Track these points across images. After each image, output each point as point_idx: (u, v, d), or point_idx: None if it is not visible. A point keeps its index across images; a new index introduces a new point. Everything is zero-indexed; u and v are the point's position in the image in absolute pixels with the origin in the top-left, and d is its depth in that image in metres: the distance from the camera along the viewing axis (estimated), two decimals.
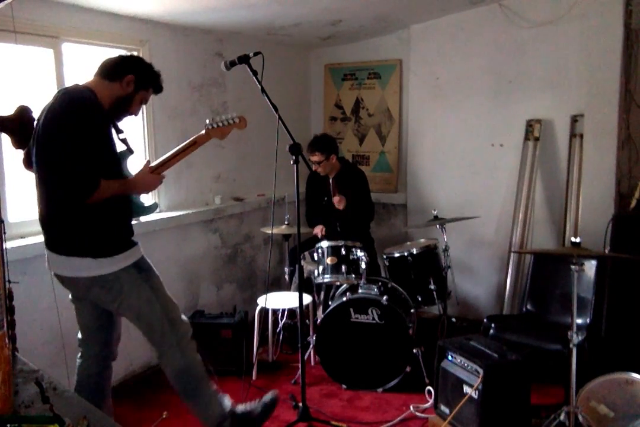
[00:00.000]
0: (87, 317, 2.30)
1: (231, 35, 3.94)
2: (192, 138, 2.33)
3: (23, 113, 1.70)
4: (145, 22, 3.33)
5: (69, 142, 1.97)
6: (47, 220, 2.16)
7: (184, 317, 2.35)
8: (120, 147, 2.24)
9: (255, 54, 2.55)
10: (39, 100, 2.79)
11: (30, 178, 2.72)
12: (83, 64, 3.08)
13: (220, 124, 2.29)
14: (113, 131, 2.18)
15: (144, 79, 2.24)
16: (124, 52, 3.31)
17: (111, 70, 2.19)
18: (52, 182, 2.06)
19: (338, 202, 3.77)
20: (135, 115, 2.31)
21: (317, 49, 4.86)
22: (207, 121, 2.30)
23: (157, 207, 2.44)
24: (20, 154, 2.23)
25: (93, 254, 2.09)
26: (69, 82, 2.96)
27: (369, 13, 3.80)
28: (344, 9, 3.60)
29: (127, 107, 2.23)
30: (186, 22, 3.50)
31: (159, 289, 2.26)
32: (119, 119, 2.26)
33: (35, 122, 2.13)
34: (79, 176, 1.97)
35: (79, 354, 2.38)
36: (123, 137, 2.23)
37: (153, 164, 2.29)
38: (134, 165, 2.33)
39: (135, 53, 3.36)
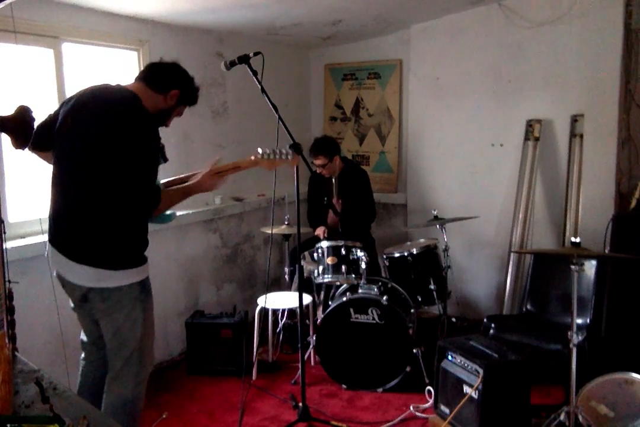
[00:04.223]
0: (91, 324, 2.23)
1: (231, 35, 3.95)
2: (236, 161, 2.27)
3: (23, 113, 1.69)
4: (145, 22, 3.33)
5: (142, 157, 1.96)
6: (69, 223, 2.05)
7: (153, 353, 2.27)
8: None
9: (255, 54, 2.54)
10: (39, 100, 2.82)
11: (29, 176, 2.76)
12: (83, 64, 3.08)
13: (272, 157, 2.24)
14: None
15: (188, 95, 2.21)
16: (123, 52, 3.32)
17: (159, 81, 2.14)
18: (112, 194, 1.98)
19: (337, 204, 3.79)
20: (167, 127, 2.27)
21: (317, 49, 4.86)
22: (259, 150, 2.23)
23: (175, 216, 2.39)
24: (20, 153, 2.22)
25: (111, 265, 2.02)
26: (69, 82, 2.97)
27: (369, 13, 3.80)
28: (344, 9, 3.60)
29: (165, 120, 2.20)
30: (186, 22, 3.50)
31: (148, 314, 2.17)
32: None
33: (65, 114, 2.05)
34: (150, 192, 2.00)
35: (83, 356, 2.33)
36: (161, 146, 2.15)
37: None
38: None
39: (135, 53, 3.37)
